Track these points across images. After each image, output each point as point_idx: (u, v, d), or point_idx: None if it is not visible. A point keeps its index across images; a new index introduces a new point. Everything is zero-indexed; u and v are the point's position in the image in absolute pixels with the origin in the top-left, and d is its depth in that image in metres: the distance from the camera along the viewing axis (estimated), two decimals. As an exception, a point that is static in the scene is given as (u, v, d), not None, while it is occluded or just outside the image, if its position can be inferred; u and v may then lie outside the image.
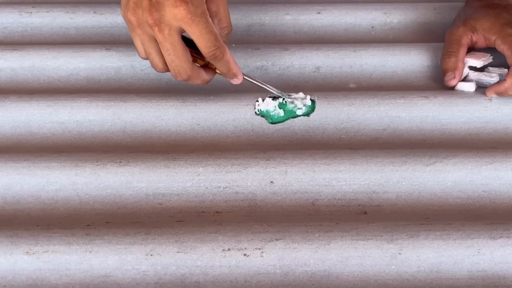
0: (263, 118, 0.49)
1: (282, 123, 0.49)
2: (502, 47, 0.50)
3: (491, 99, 0.50)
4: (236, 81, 0.46)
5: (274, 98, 0.50)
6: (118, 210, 0.43)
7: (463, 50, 0.51)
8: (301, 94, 0.50)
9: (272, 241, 0.39)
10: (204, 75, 0.45)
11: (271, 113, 0.49)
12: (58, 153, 0.45)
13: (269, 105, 0.49)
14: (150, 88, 0.53)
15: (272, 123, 0.49)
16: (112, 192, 0.43)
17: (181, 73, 0.43)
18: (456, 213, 0.43)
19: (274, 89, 0.49)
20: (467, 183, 0.44)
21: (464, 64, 0.51)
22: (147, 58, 0.44)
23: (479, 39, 0.52)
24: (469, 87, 0.51)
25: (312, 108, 0.50)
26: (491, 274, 0.39)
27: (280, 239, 0.39)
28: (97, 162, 0.44)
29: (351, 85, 0.54)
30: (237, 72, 0.46)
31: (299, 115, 0.49)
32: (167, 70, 0.44)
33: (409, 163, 0.44)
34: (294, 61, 0.55)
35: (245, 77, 0.47)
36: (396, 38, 0.59)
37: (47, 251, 0.38)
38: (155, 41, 0.42)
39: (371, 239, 0.39)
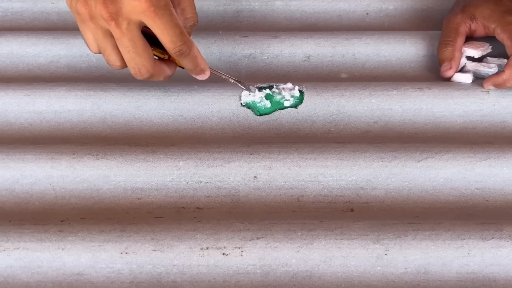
0: (249, 110, 0.47)
1: (269, 115, 0.47)
2: (501, 36, 0.47)
3: (488, 91, 0.47)
4: (203, 76, 0.43)
5: (261, 88, 0.48)
6: (94, 205, 0.41)
7: (460, 39, 0.49)
8: (289, 85, 0.48)
9: (253, 239, 0.37)
10: (167, 71, 0.41)
11: (258, 105, 0.47)
12: (33, 144, 0.43)
13: (255, 96, 0.47)
14: (133, 77, 0.51)
15: (258, 115, 0.47)
16: (89, 186, 0.42)
17: (142, 72, 0.39)
18: (448, 211, 0.41)
19: (243, 83, 0.46)
20: (460, 180, 0.42)
21: (461, 54, 0.49)
22: (100, 53, 0.40)
23: (478, 27, 0.49)
24: (466, 78, 0.48)
25: (300, 100, 0.47)
26: (481, 276, 0.37)
27: (261, 237, 0.38)
28: (74, 154, 0.42)
29: (343, 75, 0.51)
30: (205, 68, 0.42)
31: (287, 107, 0.47)
32: (125, 66, 0.40)
33: (399, 159, 0.42)
34: (284, 49, 0.52)
35: (212, 70, 0.44)
36: (392, 26, 0.57)
37: (18, 248, 0.37)
38: (111, 35, 0.38)
39: (356, 238, 0.38)
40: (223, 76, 0.45)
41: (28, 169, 0.42)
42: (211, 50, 0.52)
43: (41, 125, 0.47)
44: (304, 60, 0.52)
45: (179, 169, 0.42)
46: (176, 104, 0.47)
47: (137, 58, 0.38)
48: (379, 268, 0.37)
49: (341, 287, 0.37)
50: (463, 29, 0.49)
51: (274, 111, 0.47)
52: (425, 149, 0.43)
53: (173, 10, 0.38)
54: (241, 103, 0.47)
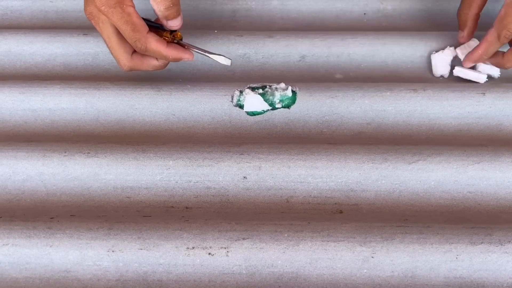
0: (242, 110, 0.47)
1: (261, 115, 0.47)
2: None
3: (484, 93, 0.47)
4: (186, 60, 0.43)
5: (253, 89, 0.48)
6: (84, 203, 0.41)
7: (476, 5, 0.47)
8: (282, 85, 0.48)
9: (239, 240, 0.37)
10: (152, 63, 0.43)
11: (250, 104, 0.47)
12: (26, 142, 0.44)
13: (247, 95, 0.47)
14: (127, 76, 0.51)
15: (251, 115, 0.47)
16: (80, 184, 0.42)
17: (120, 64, 0.43)
18: (438, 215, 0.40)
19: (221, 57, 0.45)
20: (451, 183, 0.42)
21: (475, 21, 0.47)
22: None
23: None
24: (480, 77, 0.48)
25: (293, 100, 0.47)
26: (469, 281, 0.37)
27: (247, 238, 0.38)
28: (65, 152, 0.43)
29: (338, 76, 0.51)
30: (178, 57, 0.43)
31: (279, 107, 0.47)
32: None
33: (390, 161, 0.42)
34: (278, 49, 0.52)
35: (195, 50, 0.44)
36: (390, 26, 0.56)
37: (7, 244, 0.37)
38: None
39: (343, 240, 0.37)
40: (206, 55, 0.45)
41: (20, 166, 0.42)
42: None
43: (35, 123, 0.47)
44: (299, 60, 0.52)
45: (169, 168, 0.42)
46: (168, 103, 0.47)
47: (113, 52, 0.42)
48: (365, 271, 0.37)
49: (327, 289, 0.37)
50: None
51: (266, 111, 0.47)
52: (416, 151, 0.42)
53: (128, 7, 0.40)
54: (233, 104, 0.47)
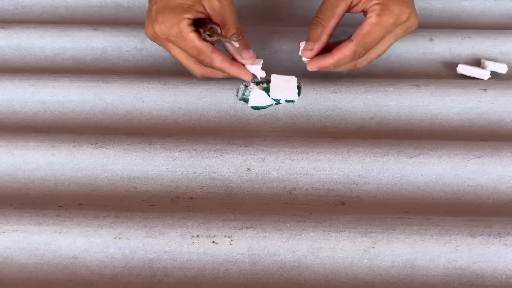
0: (246, 104, 0.48)
1: (266, 109, 0.48)
2: (373, 7, 0.42)
3: (486, 90, 0.47)
4: (244, 79, 0.46)
5: (258, 83, 0.49)
6: (92, 192, 0.42)
7: (334, 22, 0.43)
8: (286, 80, 0.48)
9: (242, 229, 0.38)
10: (220, 71, 0.45)
11: (255, 98, 0.48)
12: (36, 133, 0.45)
13: (252, 90, 0.48)
14: (135, 70, 0.52)
15: (255, 109, 0.48)
16: (87, 174, 0.43)
17: (192, 73, 0.46)
18: (439, 208, 0.41)
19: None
20: (452, 176, 0.42)
21: (329, 37, 0.44)
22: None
23: (359, 1, 0.43)
24: (484, 74, 0.48)
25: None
26: (469, 272, 0.37)
27: (251, 227, 0.38)
28: (74, 143, 0.44)
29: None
30: (237, 75, 0.45)
31: (283, 102, 0.48)
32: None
33: (392, 154, 0.43)
34: (283, 44, 0.53)
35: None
36: (394, 23, 0.57)
37: (17, 231, 0.39)
38: None
39: (344, 231, 0.38)
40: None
41: (30, 156, 0.43)
42: (212, 45, 0.53)
43: (44, 114, 0.48)
44: (303, 56, 0.53)
45: (175, 159, 0.43)
46: (175, 96, 0.48)
47: (184, 65, 0.46)
48: (366, 261, 0.38)
49: (328, 278, 0.38)
50: (341, 10, 0.43)
51: (270, 105, 0.48)
52: (418, 145, 0.43)
53: (187, 34, 0.42)
54: (238, 98, 0.48)
